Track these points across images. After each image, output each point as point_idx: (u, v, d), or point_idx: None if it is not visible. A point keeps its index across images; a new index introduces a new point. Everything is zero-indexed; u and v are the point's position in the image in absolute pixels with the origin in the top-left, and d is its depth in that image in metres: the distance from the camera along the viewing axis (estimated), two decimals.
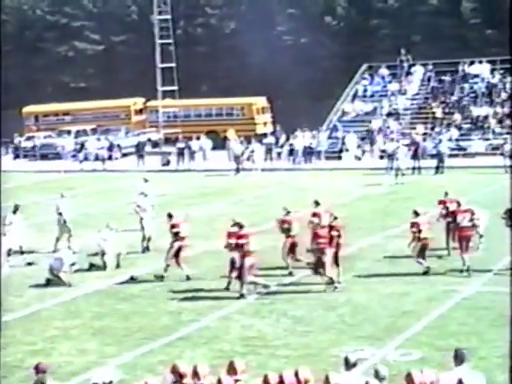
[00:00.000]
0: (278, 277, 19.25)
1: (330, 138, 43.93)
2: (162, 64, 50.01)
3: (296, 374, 9.10)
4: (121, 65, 59.97)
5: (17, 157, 49.55)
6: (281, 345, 14.74)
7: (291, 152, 42.09)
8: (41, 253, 22.70)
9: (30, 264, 21.58)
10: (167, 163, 43.66)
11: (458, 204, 20.50)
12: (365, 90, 47.75)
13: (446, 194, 22.01)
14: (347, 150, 43.02)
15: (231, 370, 9.34)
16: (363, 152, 42.69)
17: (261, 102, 50.85)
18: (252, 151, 40.54)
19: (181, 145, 43.30)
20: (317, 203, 20.84)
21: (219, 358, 13.29)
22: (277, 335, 15.31)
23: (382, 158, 39.68)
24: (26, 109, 54.55)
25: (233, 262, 18.08)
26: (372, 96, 47.40)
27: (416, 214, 19.31)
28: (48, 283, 19.48)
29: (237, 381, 9.19)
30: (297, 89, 53.73)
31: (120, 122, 52.45)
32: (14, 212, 22.58)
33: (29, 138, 50.78)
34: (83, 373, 13.55)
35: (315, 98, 51.63)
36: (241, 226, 18.19)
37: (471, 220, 19.74)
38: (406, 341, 14.69)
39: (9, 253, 21.66)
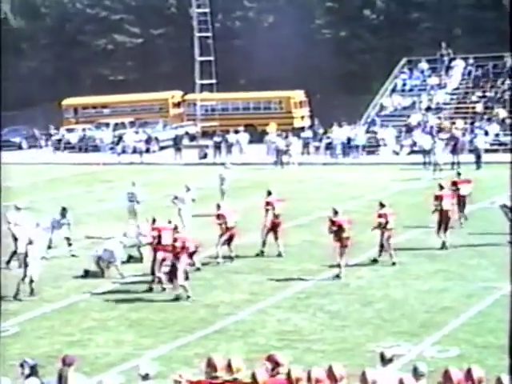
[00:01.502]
0: (314, 271, 19.20)
1: (367, 132, 43.68)
2: (201, 57, 50.09)
3: (330, 370, 8.99)
4: (159, 58, 60.11)
5: (57, 149, 49.93)
6: (317, 339, 14.68)
7: (329, 146, 41.89)
8: (98, 240, 22.60)
9: (73, 256, 21.65)
10: (204, 156, 43.70)
11: (441, 187, 21.23)
12: (404, 84, 47.34)
13: (459, 174, 23.77)
14: (385, 145, 42.73)
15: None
16: (401, 147, 42.36)
17: (299, 95, 50.64)
18: (289, 145, 40.39)
19: (218, 138, 43.33)
20: (269, 193, 21.34)
21: (255, 352, 13.28)
22: (313, 330, 15.26)
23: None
24: (66, 101, 54.90)
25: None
26: (411, 90, 46.98)
27: (382, 205, 19.74)
28: (86, 275, 19.60)
29: (277, 373, 9.11)
30: (335, 83, 53.42)
31: (158, 115, 52.59)
32: (63, 215, 21.81)
33: (68, 131, 51.21)
34: (120, 364, 13.63)
35: (353, 92, 51.30)
36: (154, 221, 18.77)
37: (453, 204, 21.09)
38: (443, 337, 14.56)
39: (49, 246, 21.69)
